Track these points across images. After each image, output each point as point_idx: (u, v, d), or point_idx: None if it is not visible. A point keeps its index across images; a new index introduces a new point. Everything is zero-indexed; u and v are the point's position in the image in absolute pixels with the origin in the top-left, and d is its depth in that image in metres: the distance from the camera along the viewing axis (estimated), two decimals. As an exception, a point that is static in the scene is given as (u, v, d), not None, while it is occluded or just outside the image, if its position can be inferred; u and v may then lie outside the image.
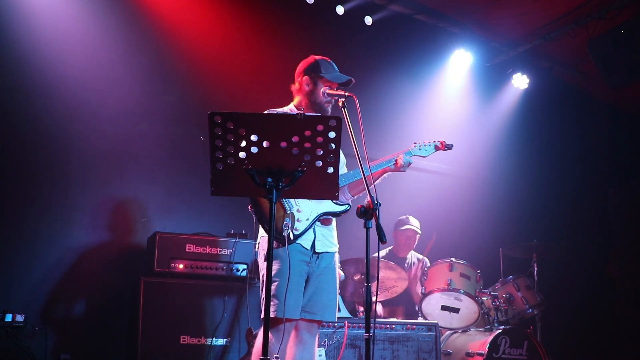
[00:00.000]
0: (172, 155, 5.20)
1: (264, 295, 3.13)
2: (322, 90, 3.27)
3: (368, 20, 6.15)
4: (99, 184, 4.82)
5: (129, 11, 5.09)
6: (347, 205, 3.29)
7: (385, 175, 3.44)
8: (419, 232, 5.64)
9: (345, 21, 6.02)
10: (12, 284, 4.34)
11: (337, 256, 3.34)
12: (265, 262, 3.14)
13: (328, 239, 3.30)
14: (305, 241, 3.17)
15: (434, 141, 3.62)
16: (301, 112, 3.31)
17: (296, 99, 3.39)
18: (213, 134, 2.43)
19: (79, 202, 4.71)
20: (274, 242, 3.10)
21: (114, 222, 4.87)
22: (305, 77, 3.31)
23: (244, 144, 2.44)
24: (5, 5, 4.54)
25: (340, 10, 5.92)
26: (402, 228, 5.62)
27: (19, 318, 3.81)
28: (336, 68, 3.36)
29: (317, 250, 3.21)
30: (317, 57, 3.37)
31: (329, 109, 3.32)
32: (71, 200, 4.67)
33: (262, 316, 3.08)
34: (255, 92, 5.43)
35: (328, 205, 3.25)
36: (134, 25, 5.10)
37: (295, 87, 3.38)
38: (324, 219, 3.27)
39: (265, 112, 3.24)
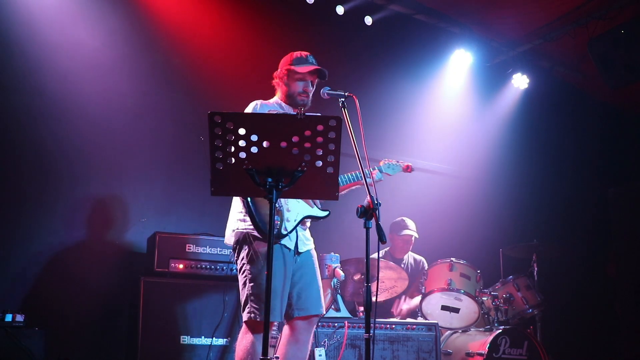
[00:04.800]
0: (172, 155, 5.19)
1: (244, 298, 3.10)
2: (297, 85, 3.38)
3: (368, 20, 6.15)
4: (99, 183, 4.81)
5: (128, 10, 5.07)
6: (328, 211, 3.39)
7: (354, 187, 3.57)
8: (417, 235, 5.62)
9: (345, 21, 6.02)
10: (12, 284, 4.33)
11: (313, 251, 3.40)
12: (249, 264, 3.12)
13: (306, 238, 3.37)
14: (290, 242, 3.21)
15: (401, 162, 3.88)
16: (300, 111, 3.33)
17: (277, 93, 3.52)
18: (213, 134, 2.43)
19: (79, 202, 4.70)
20: (260, 238, 3.10)
21: (114, 222, 4.87)
22: (280, 71, 3.47)
23: (243, 144, 2.44)
24: (4, 3, 4.53)
25: (340, 10, 5.93)
26: (401, 233, 5.59)
27: (19, 318, 3.80)
28: (311, 61, 3.45)
29: (299, 250, 3.27)
30: (296, 52, 3.48)
31: (303, 102, 3.40)
32: (71, 200, 4.66)
33: (245, 319, 3.07)
34: (255, 92, 5.41)
35: (312, 209, 3.32)
36: (134, 23, 5.08)
37: (275, 81, 3.52)
38: (304, 221, 3.32)
39: (252, 103, 3.35)
